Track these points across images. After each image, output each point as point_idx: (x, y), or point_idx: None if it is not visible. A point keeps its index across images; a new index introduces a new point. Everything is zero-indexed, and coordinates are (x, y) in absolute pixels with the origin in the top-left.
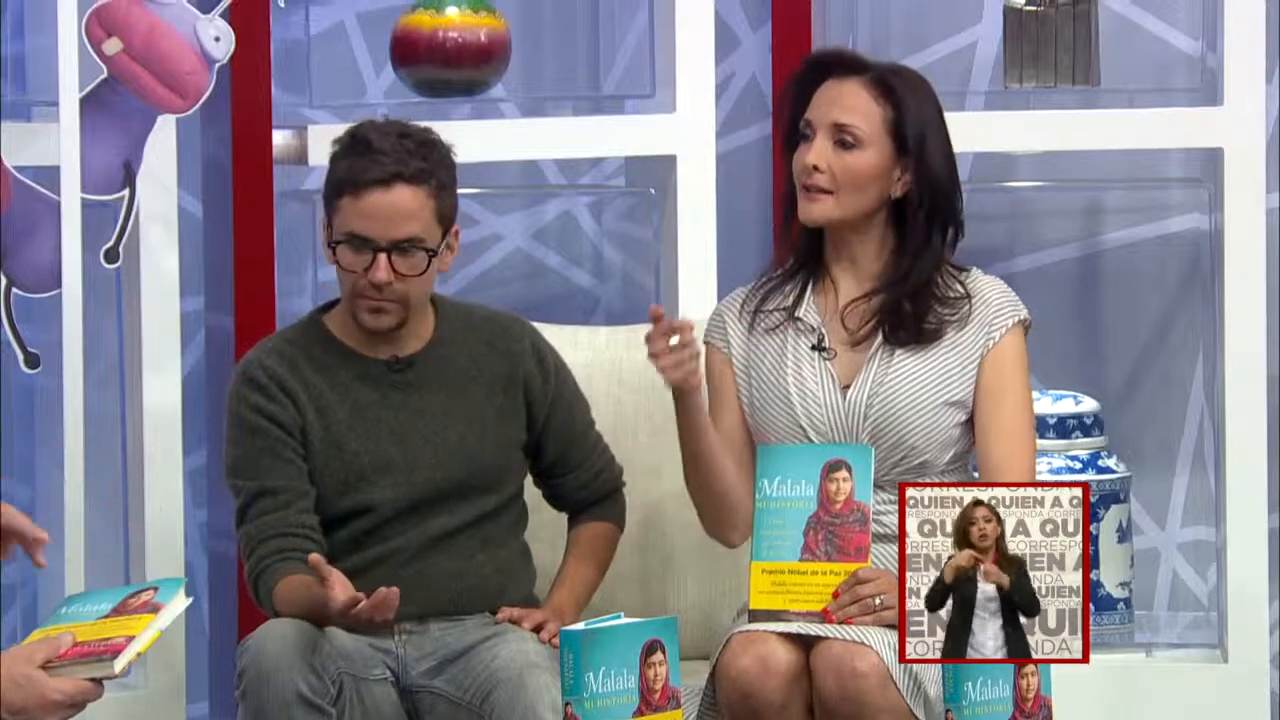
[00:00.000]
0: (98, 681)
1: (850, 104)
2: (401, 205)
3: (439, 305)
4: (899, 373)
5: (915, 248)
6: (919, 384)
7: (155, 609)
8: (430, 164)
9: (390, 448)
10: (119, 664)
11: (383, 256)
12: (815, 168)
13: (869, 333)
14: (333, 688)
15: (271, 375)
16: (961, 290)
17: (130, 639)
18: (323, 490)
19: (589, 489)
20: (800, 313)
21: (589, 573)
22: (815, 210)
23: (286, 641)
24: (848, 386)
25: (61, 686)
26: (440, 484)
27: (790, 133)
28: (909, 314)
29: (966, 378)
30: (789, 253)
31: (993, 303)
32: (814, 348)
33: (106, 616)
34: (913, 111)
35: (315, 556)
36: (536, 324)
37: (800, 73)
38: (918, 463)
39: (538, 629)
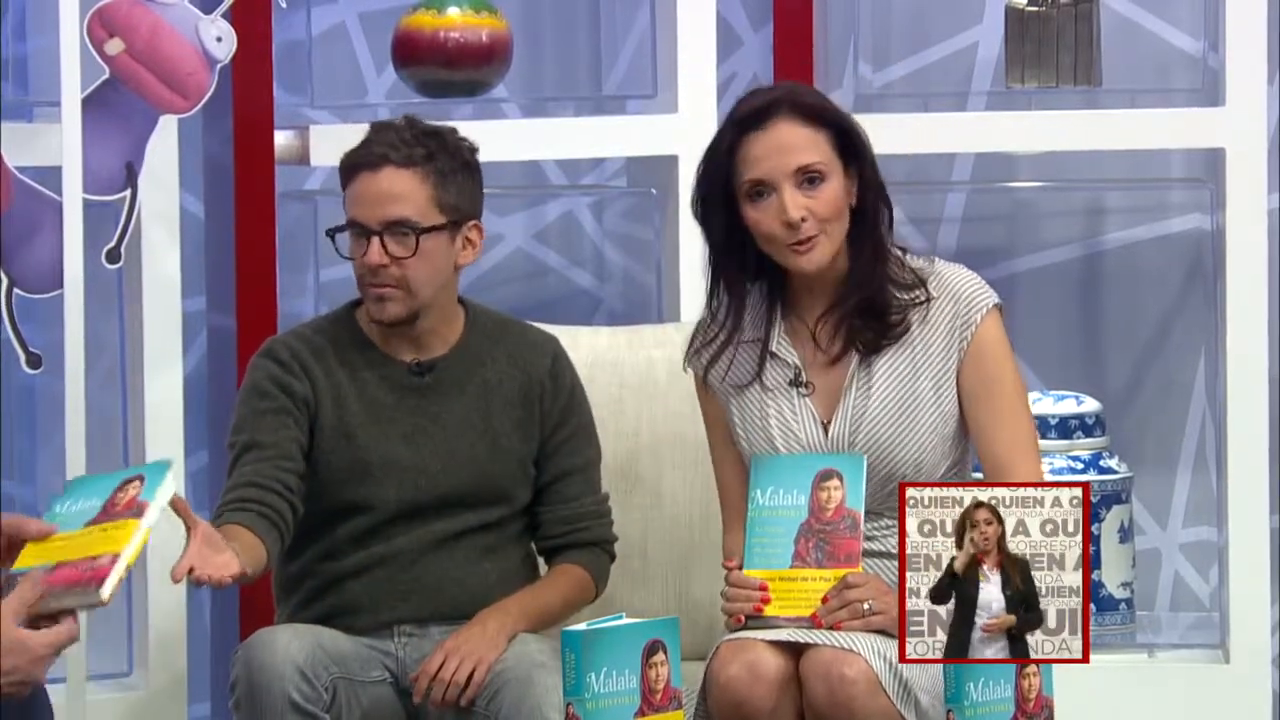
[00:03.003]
0: (73, 614)
1: (798, 144)
2: (388, 187)
3: (471, 312)
4: (877, 402)
5: (872, 243)
6: (899, 411)
7: (140, 510)
8: (429, 150)
9: (399, 449)
10: (106, 591)
11: (375, 239)
12: (802, 220)
13: (841, 352)
14: (326, 694)
15: (295, 354)
16: (915, 277)
17: (115, 557)
18: (326, 480)
19: (566, 528)
20: (774, 347)
21: (549, 597)
22: (816, 258)
23: (278, 649)
24: (828, 423)
25: (45, 640)
26: (445, 491)
27: (709, 199)
28: (870, 318)
29: (946, 387)
30: (737, 316)
31: (962, 296)
32: (792, 383)
33: (94, 520)
34: (843, 120)
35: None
36: (538, 324)
37: (722, 136)
38: None
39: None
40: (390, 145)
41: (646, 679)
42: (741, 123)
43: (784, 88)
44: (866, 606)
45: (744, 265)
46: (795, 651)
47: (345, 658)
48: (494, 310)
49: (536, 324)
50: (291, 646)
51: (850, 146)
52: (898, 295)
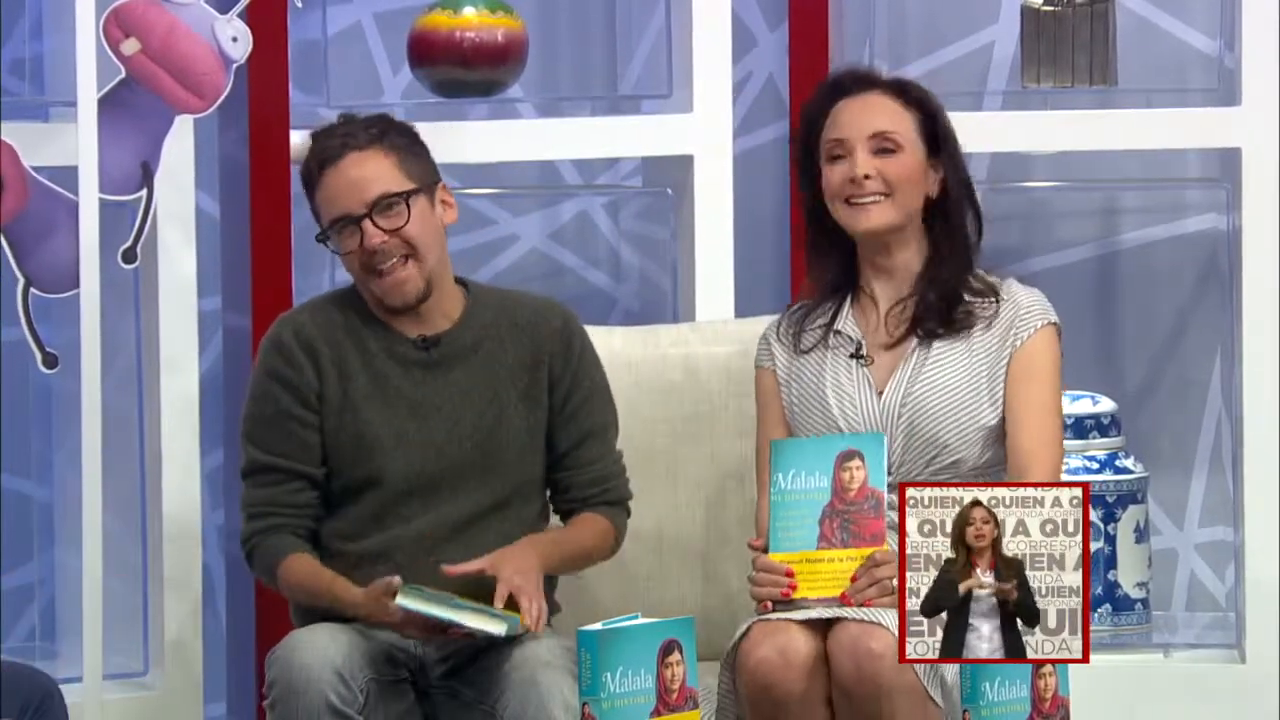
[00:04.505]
0: None
1: (882, 112)
2: (359, 171)
3: (471, 289)
4: (931, 373)
5: (954, 243)
6: (952, 383)
7: None
8: (380, 129)
9: (406, 422)
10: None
11: (366, 224)
12: (866, 177)
13: (904, 334)
14: (361, 696)
15: (298, 335)
16: (988, 287)
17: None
18: (336, 455)
19: (594, 489)
20: (840, 326)
21: (571, 540)
22: (874, 217)
23: (316, 651)
24: (883, 391)
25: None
26: (455, 461)
27: (805, 161)
28: (938, 305)
29: (997, 379)
30: (818, 283)
31: (1023, 305)
32: (852, 356)
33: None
34: (939, 113)
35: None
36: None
37: (819, 96)
38: (950, 461)
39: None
40: (344, 135)
41: (662, 678)
42: (837, 87)
43: (898, 77)
44: (894, 583)
45: (825, 238)
46: (826, 634)
47: (375, 659)
48: (496, 287)
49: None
50: (329, 649)
51: (938, 137)
52: (967, 297)
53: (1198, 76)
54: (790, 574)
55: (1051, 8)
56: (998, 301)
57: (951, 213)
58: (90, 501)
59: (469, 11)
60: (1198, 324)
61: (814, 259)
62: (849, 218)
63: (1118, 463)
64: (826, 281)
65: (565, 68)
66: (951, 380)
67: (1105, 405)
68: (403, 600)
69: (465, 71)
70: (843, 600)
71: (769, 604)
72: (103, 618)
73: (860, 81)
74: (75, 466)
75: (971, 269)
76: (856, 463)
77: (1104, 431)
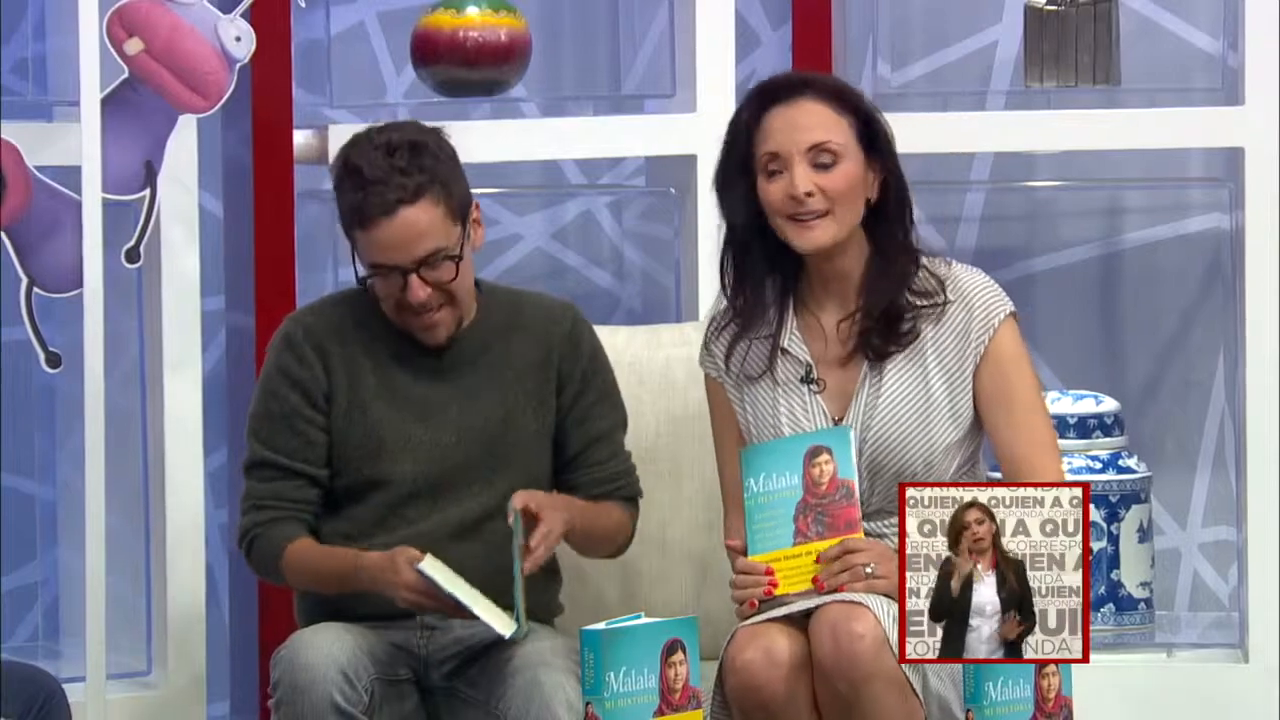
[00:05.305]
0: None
1: (817, 121)
2: (412, 226)
3: (483, 290)
4: (889, 401)
5: (897, 246)
6: (909, 409)
7: None
8: (425, 171)
9: (414, 424)
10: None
11: (413, 278)
12: (808, 194)
13: (851, 353)
14: (366, 695)
15: (309, 334)
16: (935, 282)
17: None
18: (344, 457)
19: (605, 488)
20: (785, 343)
21: (598, 514)
22: (818, 235)
23: (321, 651)
24: (840, 420)
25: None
26: (461, 463)
27: (730, 172)
28: (882, 322)
29: (961, 391)
30: (754, 302)
31: (976, 304)
32: (803, 380)
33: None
34: (873, 113)
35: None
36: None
37: (747, 105)
38: None
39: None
40: (394, 185)
41: (665, 678)
42: (766, 95)
43: (813, 73)
44: (869, 569)
45: (761, 252)
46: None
47: (379, 659)
48: (507, 286)
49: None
50: (334, 648)
51: (874, 138)
52: (912, 301)
53: (1201, 76)
54: (770, 572)
55: (1055, 7)
56: (945, 296)
57: (891, 215)
58: (93, 501)
59: (472, 11)
60: (1201, 323)
61: (747, 278)
62: (794, 234)
63: (1121, 462)
64: (764, 300)
65: (568, 67)
66: (909, 406)
67: (1108, 405)
68: (426, 566)
69: (468, 71)
70: (815, 584)
71: (755, 602)
72: (106, 617)
73: (790, 87)
74: (78, 466)
75: (917, 266)
76: (825, 458)
77: (1107, 431)
